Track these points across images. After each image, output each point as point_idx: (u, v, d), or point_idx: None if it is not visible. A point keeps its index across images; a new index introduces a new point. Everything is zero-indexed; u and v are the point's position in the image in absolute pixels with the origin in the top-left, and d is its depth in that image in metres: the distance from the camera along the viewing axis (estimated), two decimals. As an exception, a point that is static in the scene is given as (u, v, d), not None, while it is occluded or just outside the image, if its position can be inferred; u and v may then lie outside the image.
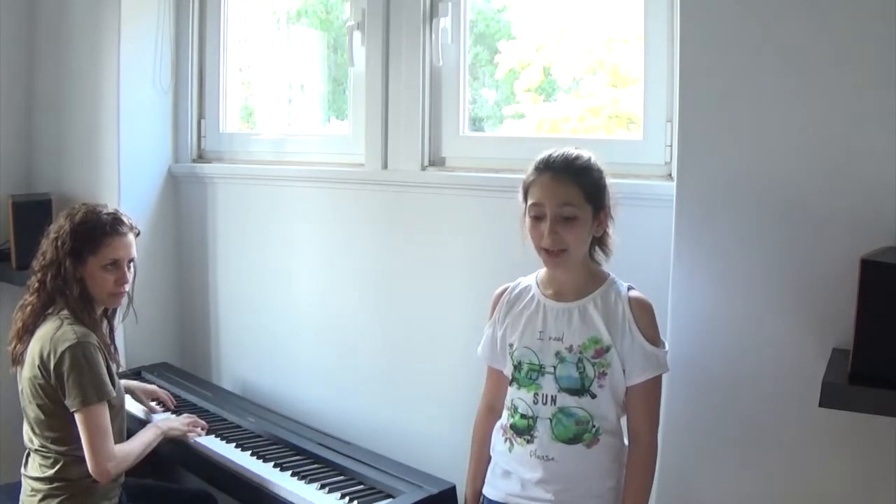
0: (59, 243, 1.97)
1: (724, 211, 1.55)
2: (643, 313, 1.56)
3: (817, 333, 1.47)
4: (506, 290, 1.68)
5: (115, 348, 2.08)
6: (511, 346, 1.63)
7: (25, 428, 2.00)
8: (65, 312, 1.95)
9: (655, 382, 1.57)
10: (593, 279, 1.60)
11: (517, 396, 1.61)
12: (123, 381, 2.31)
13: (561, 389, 1.56)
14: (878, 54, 1.40)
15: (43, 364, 1.90)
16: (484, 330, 1.71)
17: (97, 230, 1.98)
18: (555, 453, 1.55)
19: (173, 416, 2.30)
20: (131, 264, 2.05)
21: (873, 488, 1.44)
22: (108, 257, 1.99)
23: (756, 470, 1.55)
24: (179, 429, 2.17)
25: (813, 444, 1.49)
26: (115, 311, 2.12)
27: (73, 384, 1.87)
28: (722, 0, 1.54)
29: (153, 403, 2.35)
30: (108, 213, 2.03)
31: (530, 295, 1.64)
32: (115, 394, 1.95)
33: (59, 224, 2.01)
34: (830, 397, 1.28)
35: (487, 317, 1.70)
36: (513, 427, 1.62)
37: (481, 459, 1.72)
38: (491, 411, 1.72)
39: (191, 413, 2.30)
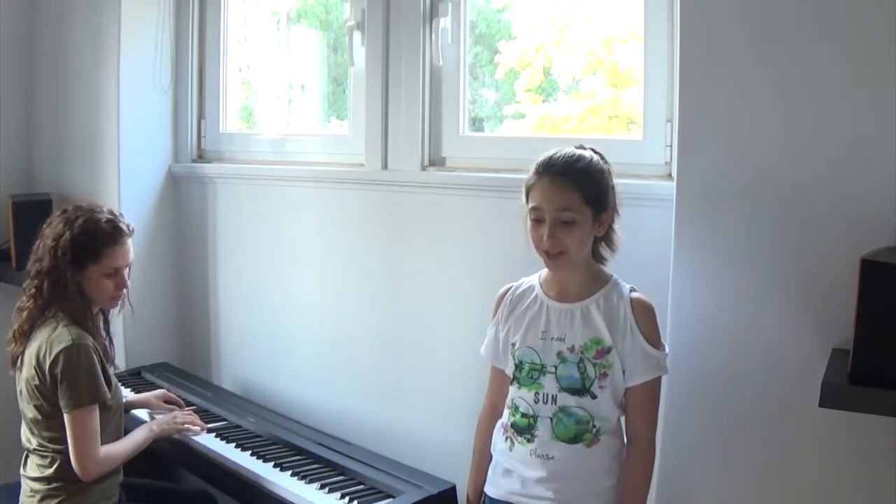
0: (60, 252, 1.95)
1: (724, 211, 1.55)
2: (645, 315, 1.56)
3: (817, 333, 1.47)
4: (509, 290, 1.68)
5: (113, 348, 2.08)
6: (513, 345, 1.63)
7: (23, 429, 2.00)
8: (61, 314, 1.95)
9: (655, 384, 1.57)
10: (596, 280, 1.60)
11: (518, 395, 1.61)
12: (140, 396, 2.35)
13: (562, 389, 1.56)
14: (877, 54, 1.40)
15: (39, 365, 1.91)
16: (487, 330, 1.71)
17: (98, 240, 1.97)
18: (555, 452, 1.56)
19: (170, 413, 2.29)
20: (128, 267, 2.06)
21: (873, 488, 1.44)
22: (109, 266, 2.00)
23: (755, 470, 1.55)
24: (174, 428, 2.17)
25: (813, 444, 1.49)
26: (110, 310, 2.11)
27: (67, 385, 1.88)
28: (722, 0, 1.54)
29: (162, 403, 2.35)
30: (108, 220, 2.01)
31: (533, 295, 1.64)
32: (110, 395, 1.95)
33: (58, 231, 1.98)
34: (830, 397, 1.28)
35: (490, 317, 1.70)
36: (513, 426, 1.62)
37: (483, 458, 1.72)
38: (494, 411, 1.72)
39: (191, 413, 2.29)
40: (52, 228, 2.01)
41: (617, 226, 1.60)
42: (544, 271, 1.65)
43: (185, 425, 2.20)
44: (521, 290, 1.67)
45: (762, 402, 1.53)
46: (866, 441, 1.43)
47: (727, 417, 1.57)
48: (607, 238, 1.61)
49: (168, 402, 2.33)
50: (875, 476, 1.44)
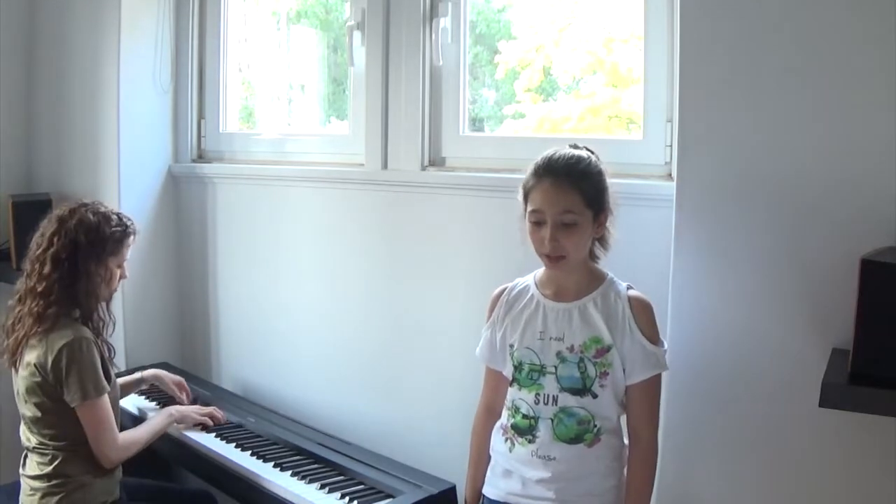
0: (89, 247, 1.97)
1: (724, 211, 1.55)
2: (643, 312, 1.56)
3: (817, 333, 1.47)
4: (504, 290, 1.68)
5: (112, 346, 2.08)
6: (511, 346, 1.62)
7: (22, 428, 2.00)
8: (60, 310, 1.95)
9: (655, 381, 1.57)
10: (593, 279, 1.60)
11: (518, 397, 1.61)
12: (153, 371, 2.39)
13: (562, 389, 1.55)
14: (877, 55, 1.40)
15: (39, 363, 1.91)
16: (482, 331, 1.70)
17: (124, 233, 2.05)
18: (556, 453, 1.55)
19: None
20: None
21: (873, 488, 1.44)
22: (123, 258, 2.07)
23: (756, 470, 1.55)
24: (194, 418, 2.21)
25: (813, 444, 1.49)
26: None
27: (73, 380, 1.89)
28: (722, 0, 1.54)
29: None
30: (121, 214, 2.09)
31: (529, 295, 1.64)
32: (109, 389, 1.97)
33: (82, 228, 1.98)
34: (830, 397, 1.28)
35: (485, 318, 1.70)
36: (514, 427, 1.61)
37: (480, 460, 1.72)
38: (489, 412, 1.71)
39: (215, 408, 2.32)
40: (62, 227, 1.99)
41: (611, 225, 1.60)
42: (540, 271, 1.65)
43: (205, 418, 2.23)
44: (516, 290, 1.67)
45: (762, 401, 1.53)
46: (866, 441, 1.43)
47: (727, 417, 1.57)
48: (601, 238, 1.61)
49: (180, 389, 2.37)
50: (875, 476, 1.44)
